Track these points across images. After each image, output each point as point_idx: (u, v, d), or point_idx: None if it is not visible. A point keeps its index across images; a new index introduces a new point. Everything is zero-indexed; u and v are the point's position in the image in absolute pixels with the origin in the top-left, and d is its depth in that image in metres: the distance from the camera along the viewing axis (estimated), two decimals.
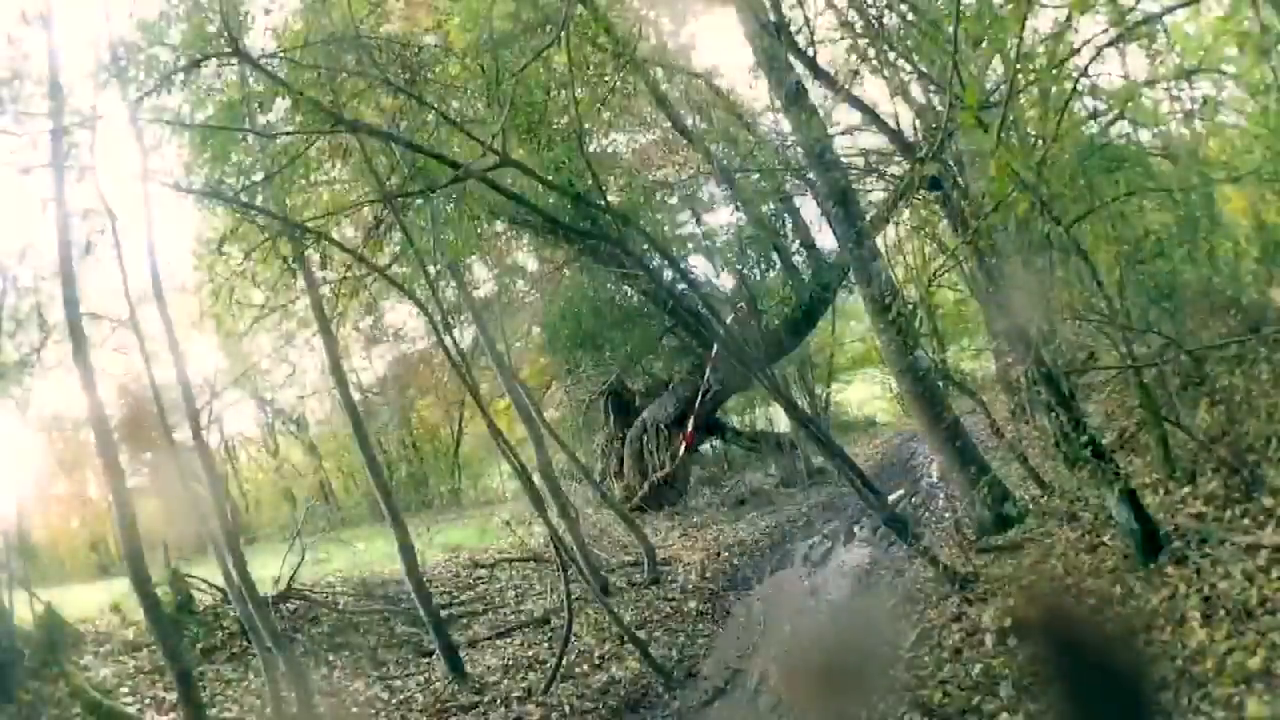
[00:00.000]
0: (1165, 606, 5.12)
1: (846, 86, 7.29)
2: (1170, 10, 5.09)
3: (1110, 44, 5.65)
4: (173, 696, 6.94)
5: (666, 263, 10.33)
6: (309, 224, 8.61)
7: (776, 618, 8.41)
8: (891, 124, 8.30)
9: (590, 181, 8.20)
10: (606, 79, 10.63)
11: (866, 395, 20.53)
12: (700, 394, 12.85)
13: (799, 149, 12.89)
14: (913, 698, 5.69)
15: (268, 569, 9.53)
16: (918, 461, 14.06)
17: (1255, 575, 4.76)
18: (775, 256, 16.37)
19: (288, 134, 8.04)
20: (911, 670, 6.03)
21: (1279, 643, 4.15)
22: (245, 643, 8.56)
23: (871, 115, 6.77)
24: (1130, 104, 7.28)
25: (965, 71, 6.11)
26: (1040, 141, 5.84)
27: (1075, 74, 5.27)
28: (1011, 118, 7.69)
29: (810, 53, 6.95)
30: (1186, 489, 6.42)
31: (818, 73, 6.74)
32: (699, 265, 15.89)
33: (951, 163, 7.65)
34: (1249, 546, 5.02)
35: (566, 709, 7.54)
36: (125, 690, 8.06)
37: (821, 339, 19.66)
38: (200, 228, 9.85)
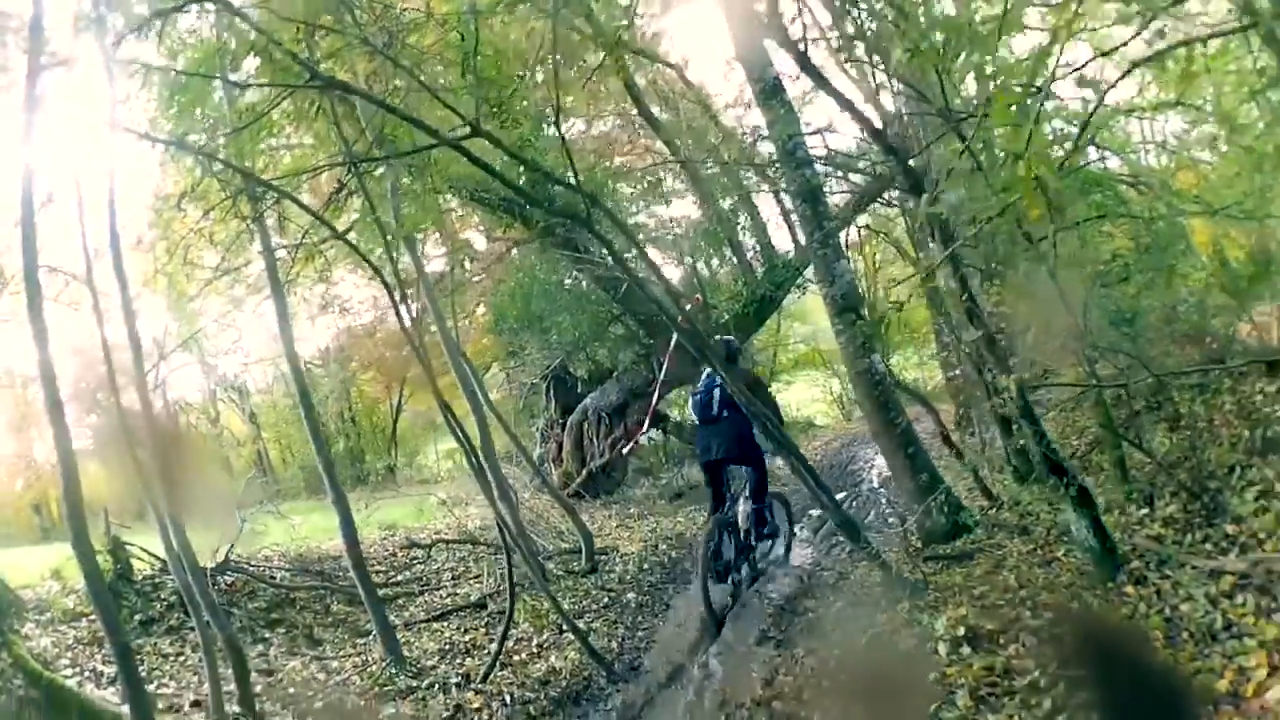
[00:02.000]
0: (1126, 625, 5.15)
1: (831, 83, 7.21)
2: (1171, 49, 5.06)
3: (1081, 67, 5.65)
4: (112, 670, 6.70)
5: (630, 247, 10.23)
6: (272, 181, 8.42)
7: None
8: (866, 128, 8.29)
9: (562, 159, 8.10)
10: (585, 61, 10.54)
11: (806, 397, 20.70)
12: (656, 383, 12.76)
13: (763, 146, 12.94)
14: (864, 704, 5.65)
15: (205, 540, 9.28)
16: (858, 466, 14.15)
17: (1219, 599, 4.80)
18: (729, 252, 16.40)
19: (261, 84, 7.80)
20: (862, 676, 5.98)
21: (1246, 667, 4.16)
22: (183, 615, 8.35)
23: (855, 113, 6.72)
24: (1102, 131, 7.36)
25: (949, 82, 6.12)
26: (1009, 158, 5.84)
27: (1043, 92, 5.24)
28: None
29: (800, 47, 6.87)
30: (1144, 511, 6.49)
31: (805, 66, 6.67)
32: (652, 255, 15.85)
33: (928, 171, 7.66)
34: (1212, 571, 5.06)
35: (506, 698, 7.40)
36: (65, 662, 7.82)
37: (766, 338, 19.79)
38: (161, 184, 9.62)
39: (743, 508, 9.00)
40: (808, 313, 21.24)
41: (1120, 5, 4.79)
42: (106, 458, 8.62)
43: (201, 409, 16.95)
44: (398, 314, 8.24)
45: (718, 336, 10.00)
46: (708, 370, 8.85)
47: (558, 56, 7.41)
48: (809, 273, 16.20)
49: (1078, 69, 4.78)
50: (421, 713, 7.23)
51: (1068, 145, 5.89)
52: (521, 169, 9.83)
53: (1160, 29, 4.88)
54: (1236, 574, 4.87)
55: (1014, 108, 5.00)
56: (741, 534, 8.96)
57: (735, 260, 16.44)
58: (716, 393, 8.83)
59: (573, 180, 7.38)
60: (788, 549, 9.80)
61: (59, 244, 8.17)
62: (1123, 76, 5.02)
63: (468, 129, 6.30)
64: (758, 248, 16.31)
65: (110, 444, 7.97)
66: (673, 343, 10.30)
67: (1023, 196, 4.36)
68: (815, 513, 11.47)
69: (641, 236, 16.33)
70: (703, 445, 9.09)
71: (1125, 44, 4.82)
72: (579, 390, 16.86)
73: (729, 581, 8.72)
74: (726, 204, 15.92)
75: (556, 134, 12.21)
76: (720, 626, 8.07)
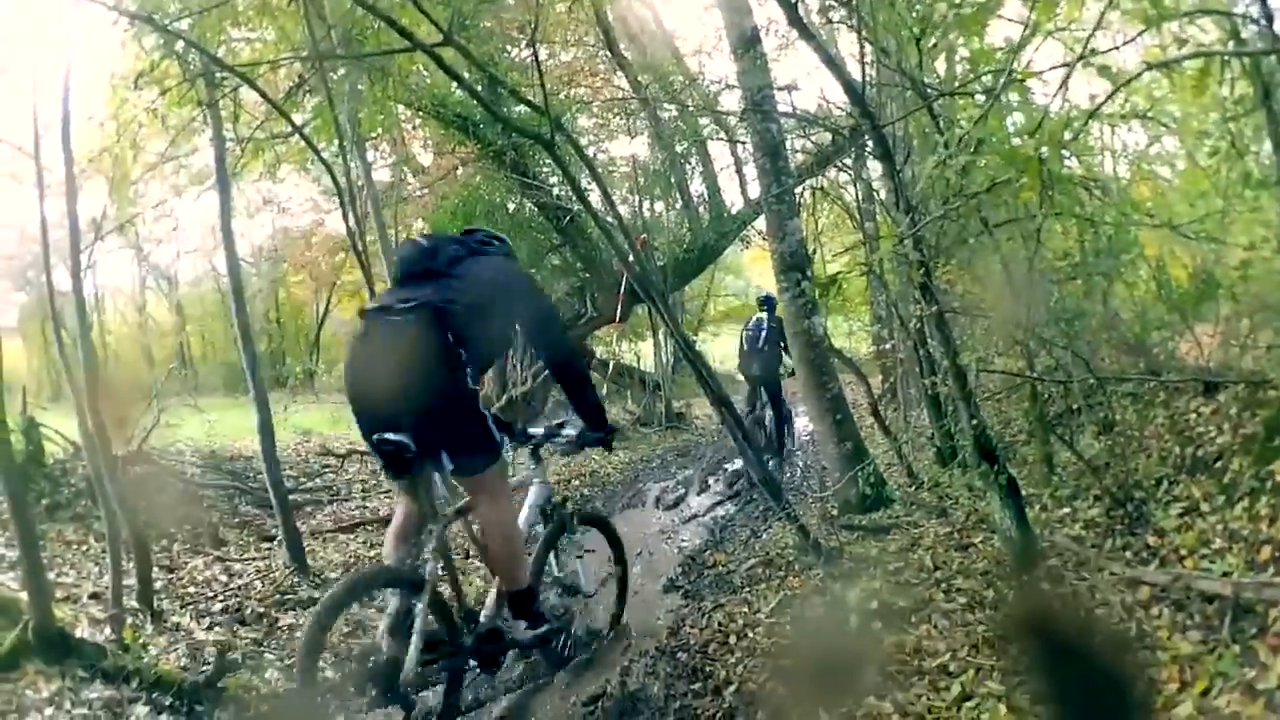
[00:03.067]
0: (1040, 619, 5.20)
1: (818, 40, 7.09)
2: (1148, 69, 5.04)
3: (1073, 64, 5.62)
4: (14, 554, 6.48)
5: (589, 179, 10.06)
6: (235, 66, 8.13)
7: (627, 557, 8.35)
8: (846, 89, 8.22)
9: (532, 79, 7.95)
10: None
11: (730, 351, 20.75)
12: (587, 316, 12.71)
13: (729, 96, 12.82)
14: (773, 665, 5.66)
15: (122, 427, 9.02)
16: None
17: (1135, 609, 4.85)
18: (677, 196, 16.31)
19: None
20: (771, 637, 5.99)
21: (1156, 680, 4.21)
22: (90, 503, 8.10)
23: (838, 72, 6.60)
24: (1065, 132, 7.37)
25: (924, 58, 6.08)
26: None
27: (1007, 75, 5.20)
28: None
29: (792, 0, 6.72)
30: (1066, 510, 6.57)
31: (794, 20, 6.53)
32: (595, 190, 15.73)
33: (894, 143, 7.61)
34: (1131, 580, 5.12)
35: None
36: None
37: (700, 287, 19.76)
38: (120, 62, 9.24)
39: (769, 413, 12.48)
40: (743, 267, 21.28)
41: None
42: (28, 335, 8.32)
43: (130, 296, 16.54)
44: (344, 216, 8.03)
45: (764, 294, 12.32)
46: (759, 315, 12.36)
47: None
48: (752, 227, 16.24)
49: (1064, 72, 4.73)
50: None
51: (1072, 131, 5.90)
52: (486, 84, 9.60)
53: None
54: (1155, 586, 4.92)
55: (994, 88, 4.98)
56: (768, 428, 12.43)
57: (683, 205, 16.35)
58: (763, 331, 12.22)
59: (540, 103, 7.19)
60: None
61: (6, 115, 7.87)
62: (1108, 97, 5.00)
63: (440, 36, 6.09)
64: (706, 195, 16.23)
65: (33, 322, 7.71)
66: (623, 282, 10.23)
67: (1021, 173, 4.31)
68: (731, 467, 11.53)
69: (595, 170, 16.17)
70: (749, 366, 12.55)
71: (1109, 52, 4.82)
72: None
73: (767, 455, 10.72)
74: (680, 148, 15.80)
75: (522, 56, 12.04)
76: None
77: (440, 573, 4.71)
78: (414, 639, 4.41)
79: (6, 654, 5.54)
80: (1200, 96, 5.31)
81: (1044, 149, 4.19)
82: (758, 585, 7.07)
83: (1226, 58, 5.72)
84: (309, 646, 4.14)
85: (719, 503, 10.59)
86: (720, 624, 6.43)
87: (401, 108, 12.99)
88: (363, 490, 11.04)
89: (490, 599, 5.14)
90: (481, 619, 5.03)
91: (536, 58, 7.60)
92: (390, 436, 4.40)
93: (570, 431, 5.51)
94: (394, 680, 4.37)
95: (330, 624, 4.31)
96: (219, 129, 8.53)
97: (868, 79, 8.45)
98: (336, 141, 8.49)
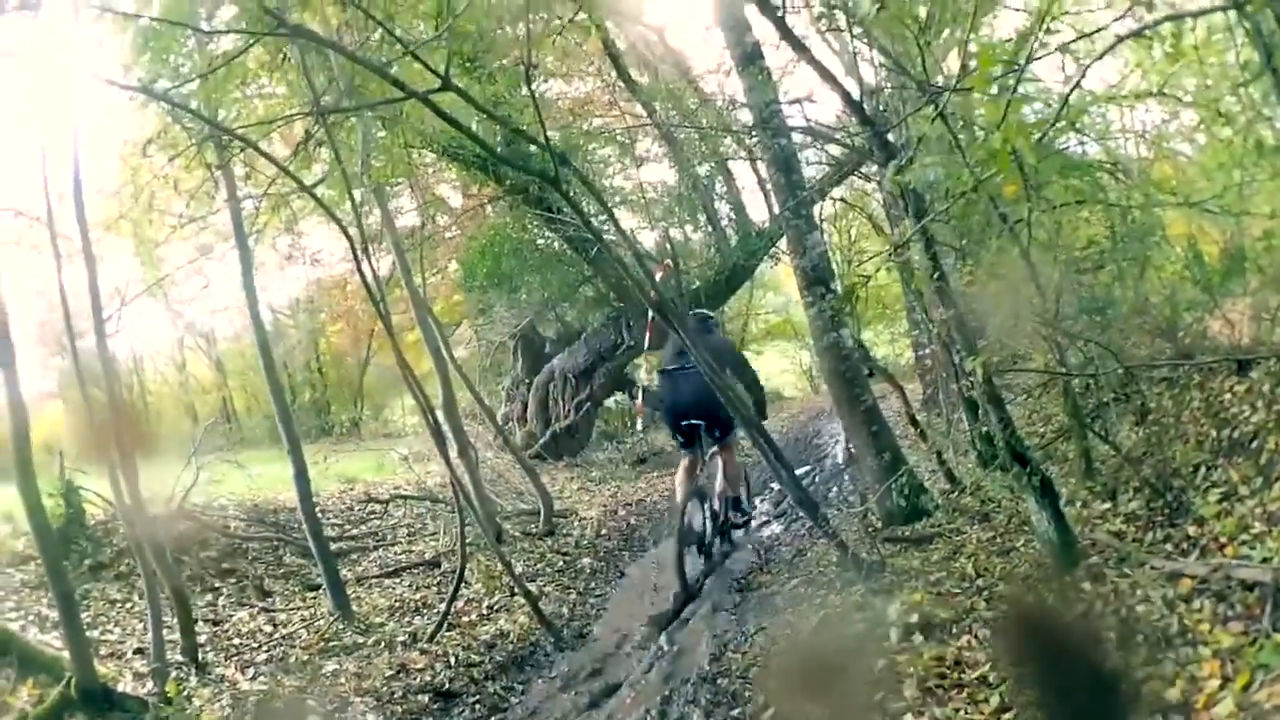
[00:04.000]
0: (1080, 624, 5.05)
1: (810, 52, 7.03)
2: (1156, 24, 4.91)
3: (1068, 44, 5.49)
4: (56, 615, 6.58)
5: (599, 210, 10.04)
6: (238, 130, 8.22)
7: (671, 583, 8.25)
8: (843, 98, 8.16)
9: (533, 116, 7.95)
10: (561, 18, 10.34)
11: (775, 368, 20.64)
12: (624, 346, 12.76)
13: (742, 114, 12.78)
14: (811, 687, 5.55)
15: (162, 485, 9.14)
16: (823, 440, 14.09)
17: (1176, 604, 4.68)
18: (703, 218, 16.28)
19: (226, 31, 7.62)
20: (811, 658, 5.88)
21: (1198, 676, 4.06)
22: (133, 562, 8.19)
23: (832, 81, 6.54)
24: (1082, 116, 7.23)
25: (929, 56, 5.97)
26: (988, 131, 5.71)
27: (1022, 68, 5.09)
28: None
29: (779, 14, 6.69)
30: (1106, 505, 6.39)
31: (784, 33, 6.49)
32: (625, 219, 15.74)
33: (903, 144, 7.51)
34: (1171, 573, 4.96)
35: (452, 659, 7.29)
36: (10, 605, 7.74)
37: (738, 307, 19.69)
38: (128, 130, 9.41)
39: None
40: (780, 283, 21.18)
41: None
42: (68, 399, 8.48)
43: (168, 355, 16.77)
44: (358, 268, 8.06)
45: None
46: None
47: (532, 15, 7.25)
48: (782, 243, 16.15)
49: (1060, 48, 4.63)
50: (365, 670, 7.11)
51: (1049, 126, 5.78)
52: (495, 126, 9.65)
53: (1143, 16, 4.76)
54: (1196, 578, 4.76)
55: (994, 79, 4.87)
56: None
57: (710, 227, 16.32)
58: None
59: (544, 139, 7.19)
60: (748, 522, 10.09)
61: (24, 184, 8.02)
62: (1108, 50, 4.86)
63: (438, 82, 6.12)
64: (732, 215, 16.19)
65: (72, 386, 7.86)
66: (650, 311, 10.27)
67: (999, 171, 4.22)
68: (777, 486, 11.41)
69: (617, 199, 16.19)
70: None
71: (1107, 27, 4.69)
72: (547, 351, 16.76)
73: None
74: (703, 170, 15.77)
75: (539, 91, 12.06)
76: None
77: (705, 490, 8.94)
78: (707, 523, 8.79)
79: (50, 710, 5.72)
80: (1186, 59, 5.18)
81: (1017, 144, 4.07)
82: (800, 605, 6.96)
83: (1230, 26, 5.59)
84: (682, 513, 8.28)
85: (765, 523, 10.48)
86: (761, 648, 6.34)
87: (425, 152, 13.11)
88: (408, 534, 11.06)
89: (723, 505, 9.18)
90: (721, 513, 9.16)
91: (534, 97, 7.59)
92: (689, 422, 8.91)
93: None
94: (703, 540, 8.74)
95: (687, 508, 8.37)
96: (233, 190, 8.64)
97: (880, 83, 8.42)
98: (347, 194, 8.51)
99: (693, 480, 8.93)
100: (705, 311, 10.44)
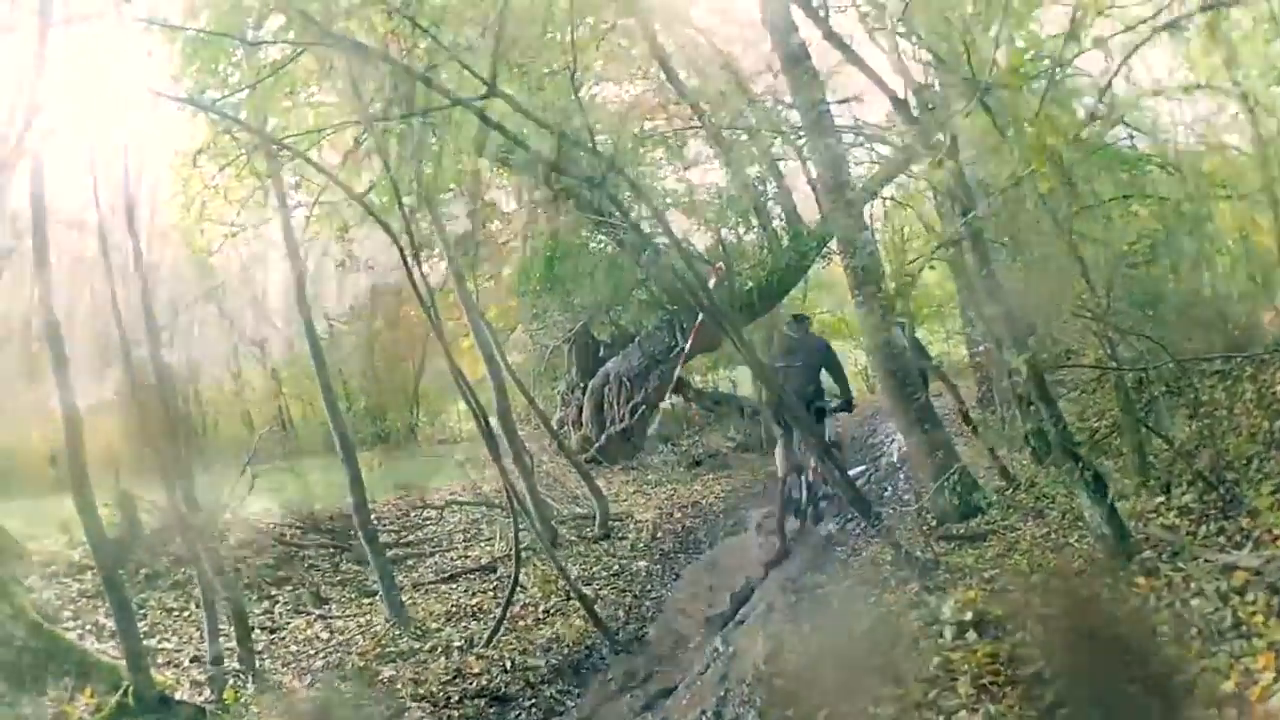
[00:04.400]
0: (1134, 618, 5.03)
1: (855, 51, 7.05)
2: (1197, 12, 4.88)
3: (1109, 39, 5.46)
4: (113, 624, 6.73)
5: (650, 214, 10.09)
6: (286, 140, 8.36)
7: (727, 586, 8.28)
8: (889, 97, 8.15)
9: (579, 122, 8.00)
10: (607, 22, 10.39)
11: None
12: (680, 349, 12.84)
13: (791, 114, 12.77)
14: (864, 686, 5.56)
15: (218, 494, 9.28)
16: (879, 440, 14.00)
17: (1230, 596, 4.67)
18: (754, 220, 16.22)
19: (272, 43, 7.75)
20: (866, 657, 5.89)
21: (1253, 669, 4.04)
22: (189, 570, 8.34)
23: (878, 80, 6.57)
24: (1131, 111, 7.17)
25: (976, 53, 5.96)
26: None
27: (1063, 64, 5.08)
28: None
29: (822, 14, 6.72)
30: (1160, 499, 6.34)
31: (828, 33, 6.52)
32: (676, 221, 15.72)
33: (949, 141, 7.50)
34: (1225, 566, 4.93)
35: (508, 664, 7.38)
36: (68, 614, 7.81)
37: (793, 307, 19.59)
38: (177, 141, 9.58)
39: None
40: (835, 282, 21.04)
41: None
42: (121, 411, 8.63)
43: (224, 364, 16.96)
44: (409, 274, 8.17)
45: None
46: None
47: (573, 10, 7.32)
48: (834, 243, 16.06)
49: (1096, 42, 4.62)
50: (421, 675, 7.21)
51: (1095, 123, 5.76)
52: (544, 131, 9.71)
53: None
54: (1249, 570, 4.73)
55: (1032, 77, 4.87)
56: None
57: (760, 227, 16.26)
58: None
59: (591, 145, 7.26)
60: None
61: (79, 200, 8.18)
62: (1144, 41, 4.85)
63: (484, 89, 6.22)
64: (784, 216, 16.13)
65: (125, 397, 8.00)
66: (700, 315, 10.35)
67: (1037, 168, 4.24)
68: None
69: (669, 202, 16.20)
70: None
71: (1149, 19, 4.68)
72: (601, 354, 16.77)
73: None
74: (753, 171, 15.72)
75: (589, 95, 12.14)
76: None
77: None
78: (805, 492, 9.85)
79: (108, 718, 5.82)
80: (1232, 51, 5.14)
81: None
82: (854, 605, 6.97)
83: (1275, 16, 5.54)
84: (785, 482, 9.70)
85: (820, 524, 10.45)
86: (817, 648, 6.36)
87: (477, 157, 13.18)
88: (464, 539, 11.13)
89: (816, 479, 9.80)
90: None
91: (579, 101, 7.66)
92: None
93: (835, 403, 10.09)
94: (800, 507, 9.81)
95: (788, 480, 9.73)
96: (282, 198, 8.77)
97: (927, 81, 8.40)
98: (397, 201, 8.61)
99: (792, 458, 9.76)
100: (801, 314, 11.38)
